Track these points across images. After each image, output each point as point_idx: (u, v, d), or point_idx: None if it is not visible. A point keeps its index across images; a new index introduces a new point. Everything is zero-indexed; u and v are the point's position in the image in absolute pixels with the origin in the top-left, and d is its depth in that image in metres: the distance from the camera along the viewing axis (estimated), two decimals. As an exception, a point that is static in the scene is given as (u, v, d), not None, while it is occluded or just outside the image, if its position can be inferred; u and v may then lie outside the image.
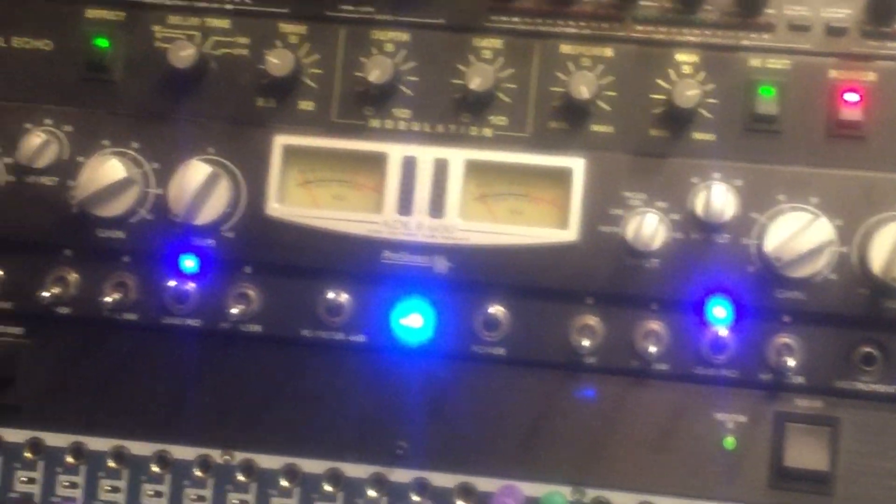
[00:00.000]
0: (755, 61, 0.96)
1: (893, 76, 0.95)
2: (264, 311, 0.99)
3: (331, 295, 0.98)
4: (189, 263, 1.00)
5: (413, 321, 0.98)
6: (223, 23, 1.00)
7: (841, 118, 0.94)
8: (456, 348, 0.98)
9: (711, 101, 0.96)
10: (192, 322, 1.00)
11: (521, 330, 0.98)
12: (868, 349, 0.95)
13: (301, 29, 1.00)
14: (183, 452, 1.02)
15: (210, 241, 0.99)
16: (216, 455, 1.01)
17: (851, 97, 0.95)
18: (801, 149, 0.95)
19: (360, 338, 0.99)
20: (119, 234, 0.99)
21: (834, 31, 0.95)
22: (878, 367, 0.95)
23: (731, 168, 0.95)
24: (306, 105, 0.99)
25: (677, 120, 0.96)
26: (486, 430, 0.99)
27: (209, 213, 0.97)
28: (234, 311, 0.97)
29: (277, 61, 0.97)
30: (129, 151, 0.99)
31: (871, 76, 0.95)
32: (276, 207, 0.98)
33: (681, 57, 0.97)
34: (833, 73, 0.95)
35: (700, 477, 0.97)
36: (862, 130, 0.94)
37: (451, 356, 0.99)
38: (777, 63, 0.96)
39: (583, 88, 0.94)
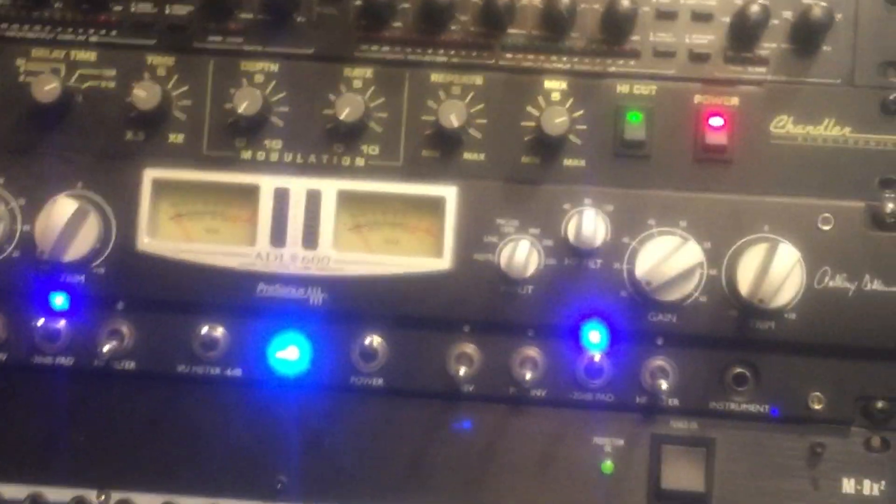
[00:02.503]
0: (622, 87, 1.01)
1: (756, 100, 1.00)
2: (138, 347, 1.02)
3: (205, 329, 1.01)
4: (59, 301, 1.02)
5: (289, 354, 1.01)
6: (89, 56, 1.02)
7: (707, 142, 0.99)
8: (333, 380, 1.02)
9: (581, 127, 1.00)
10: (64, 360, 1.02)
11: (398, 360, 1.01)
12: (740, 369, 1.00)
13: (168, 61, 1.02)
14: (58, 494, 1.03)
15: (80, 278, 1.01)
16: (92, 496, 1.03)
17: (716, 121, 1.00)
18: (670, 173, 1.00)
19: (236, 372, 1.02)
20: (-15, 273, 1.02)
21: (697, 58, 1.00)
22: (750, 387, 1.00)
23: (602, 193, 1.00)
24: (176, 137, 1.02)
25: (548, 147, 1.00)
26: (365, 461, 1.03)
27: (78, 249, 0.99)
28: (107, 348, 0.99)
29: (145, 94, 0.99)
30: (-6, 188, 1.02)
31: (734, 100, 1.00)
32: (148, 242, 1.00)
33: (549, 84, 1.01)
34: (698, 98, 1.00)
35: (579, 501, 1.02)
36: (727, 154, 1.00)
37: (328, 388, 1.02)
38: (643, 89, 1.01)
39: (453, 117, 0.98)
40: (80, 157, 1.02)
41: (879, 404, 1.01)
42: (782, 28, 1.00)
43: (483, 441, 1.02)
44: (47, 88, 0.99)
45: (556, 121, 0.98)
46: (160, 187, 1.01)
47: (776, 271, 0.96)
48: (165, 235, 1.02)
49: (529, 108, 1.01)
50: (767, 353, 1.01)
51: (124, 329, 1.01)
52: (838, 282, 0.99)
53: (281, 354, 1.01)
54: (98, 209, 1.00)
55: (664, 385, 0.99)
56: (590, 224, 0.98)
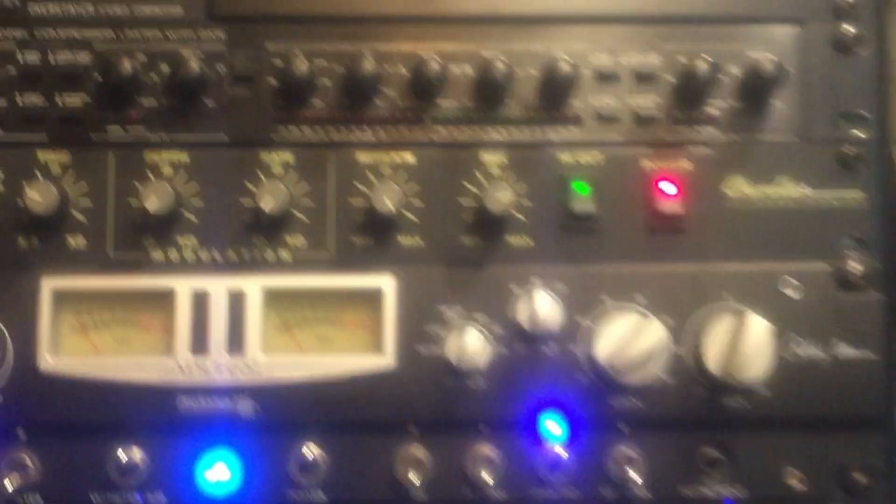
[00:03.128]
0: (566, 157, 0.95)
1: (708, 162, 0.95)
2: (45, 478, 0.92)
3: (122, 453, 0.91)
4: None
5: (219, 473, 0.92)
6: (-31, 156, 0.94)
7: (660, 210, 0.94)
8: (270, 498, 0.93)
9: (525, 202, 0.94)
10: (-40, 500, 0.92)
11: (340, 470, 0.93)
12: (711, 451, 0.94)
13: (63, 156, 0.93)
14: None
15: None
16: None
17: (667, 187, 0.94)
18: (623, 245, 0.94)
19: (159, 498, 0.92)
20: None
21: (642, 121, 0.95)
22: (723, 468, 0.94)
23: (552, 271, 0.93)
24: (76, 241, 0.93)
25: (490, 225, 0.94)
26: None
27: None
28: (9, 482, 0.90)
29: (39, 196, 0.90)
30: None
31: (685, 164, 0.95)
32: (50, 360, 0.91)
33: (487, 157, 0.95)
34: (646, 164, 0.95)
35: None
36: (682, 221, 0.94)
37: (266, 508, 0.94)
38: (588, 157, 0.95)
39: (387, 200, 0.91)
40: None
41: (860, 477, 0.95)
42: (731, 84, 0.95)
43: (441, 554, 0.95)
44: (-73, 196, 0.90)
45: (499, 196, 0.92)
46: (61, 298, 0.92)
47: (747, 345, 0.90)
48: (70, 351, 0.92)
49: (467, 184, 0.94)
50: (740, 432, 0.94)
51: (28, 459, 0.91)
52: (808, 349, 0.94)
53: (210, 474, 0.92)
54: None
55: (633, 474, 0.92)
56: (542, 305, 0.91)
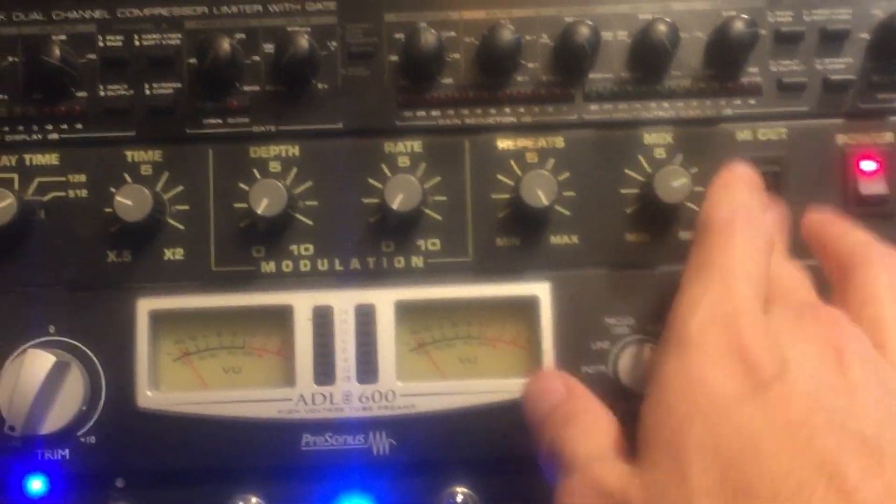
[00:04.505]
0: (743, 133, 0.83)
1: None
2: (147, 537, 0.81)
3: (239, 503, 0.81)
4: (36, 485, 0.81)
5: (345, 526, 0.81)
6: (49, 158, 0.83)
7: (859, 192, 0.82)
8: (414, 553, 0.82)
9: (698, 189, 0.80)
10: (49, 563, 0.81)
11: (496, 515, 0.82)
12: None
13: (155, 155, 0.83)
14: None
15: (64, 453, 0.80)
16: None
17: (868, 165, 0.82)
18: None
19: (285, 555, 0.82)
20: (-66, 460, 0.79)
21: (834, 87, 0.82)
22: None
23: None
24: (174, 253, 0.82)
25: (659, 218, 0.82)
26: None
27: (59, 417, 0.79)
28: (107, 544, 0.79)
29: (130, 202, 0.79)
30: (-63, 345, 0.80)
31: (888, 137, 0.83)
32: (149, 396, 0.80)
33: (650, 138, 0.83)
34: (841, 138, 0.83)
35: None
36: (887, 204, 0.83)
37: (408, 565, 0.82)
38: (770, 132, 0.83)
39: (541, 193, 0.79)
40: (48, 293, 0.82)
41: None
42: (942, 39, 0.83)
43: None
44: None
45: (674, 184, 0.79)
46: (159, 321, 0.81)
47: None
48: (172, 384, 0.81)
49: (629, 171, 0.82)
50: None
51: (127, 514, 0.81)
52: None
53: (338, 527, 0.81)
54: (81, 360, 0.80)
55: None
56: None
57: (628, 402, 0.78)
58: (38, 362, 0.77)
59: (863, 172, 0.82)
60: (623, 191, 0.83)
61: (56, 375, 0.78)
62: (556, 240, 0.82)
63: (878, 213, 0.82)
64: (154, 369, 0.81)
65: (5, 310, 0.81)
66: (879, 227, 0.81)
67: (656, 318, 0.81)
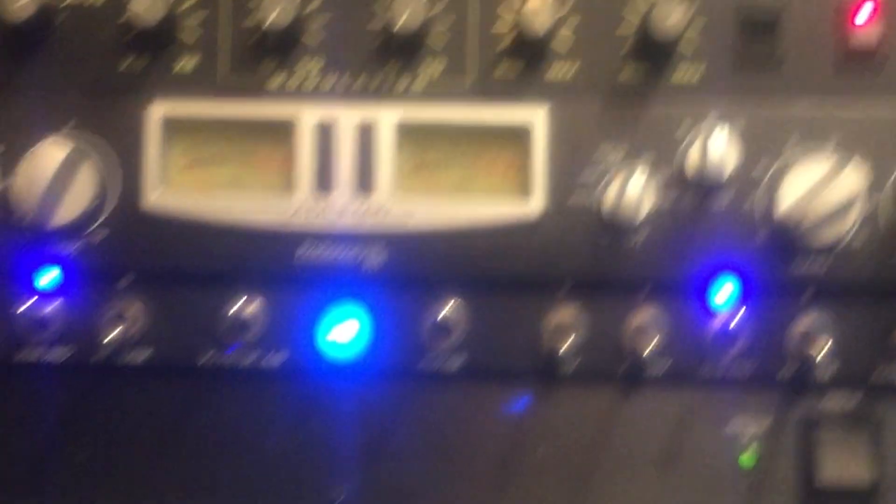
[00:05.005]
0: (749, -22, 0.86)
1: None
2: (150, 333, 0.88)
3: (235, 307, 0.86)
4: (48, 278, 0.87)
5: (343, 333, 0.87)
6: (68, -35, 0.87)
7: (852, 40, 0.84)
8: (400, 363, 0.88)
9: (696, 25, 0.84)
10: (57, 353, 0.88)
11: (480, 334, 0.87)
12: (912, 327, 0.86)
13: (169, -38, 0.87)
14: (60, 516, 0.90)
15: (74, 247, 0.86)
16: (102, 516, 0.90)
17: (863, 12, 0.84)
18: (810, 81, 0.85)
19: (276, 359, 0.88)
20: (-49, 245, 0.86)
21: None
22: (926, 348, 0.86)
23: (729, 110, 0.84)
24: (187, 62, 0.86)
25: (657, 52, 0.85)
26: (443, 462, 0.89)
27: (70, 209, 0.84)
28: (111, 335, 0.85)
29: (143, 7, 0.83)
30: (-39, 133, 0.86)
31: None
32: (158, 197, 0.85)
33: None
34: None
35: (713, 502, 0.89)
36: (882, 53, 0.85)
37: (393, 373, 0.88)
38: (775, -21, 0.86)
39: (540, 19, 0.82)
40: (66, 94, 0.87)
41: None
42: None
43: (591, 432, 0.88)
44: (19, 5, 0.83)
45: (668, 22, 0.81)
46: (171, 127, 0.86)
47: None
48: (180, 188, 0.86)
49: (630, 5, 0.85)
50: (947, 306, 0.85)
51: (132, 310, 0.87)
52: None
53: (332, 334, 0.86)
54: (94, 158, 0.85)
55: (816, 351, 0.83)
56: (717, 148, 0.82)
57: (612, 232, 0.84)
58: (51, 153, 0.83)
59: (857, 22, 0.84)
60: (624, 22, 0.85)
61: (68, 168, 0.83)
62: (558, 68, 0.85)
63: (871, 62, 0.84)
64: (162, 173, 0.85)
65: (23, 107, 0.86)
66: (873, 73, 0.85)
67: (646, 151, 0.84)
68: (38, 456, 0.90)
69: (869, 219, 0.84)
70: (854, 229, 0.83)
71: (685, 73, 0.85)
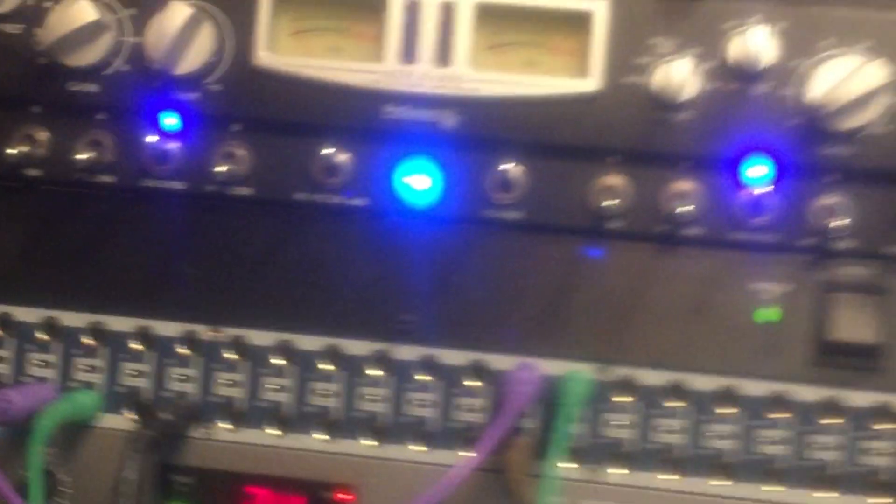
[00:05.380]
0: None
1: None
2: (254, 171, 0.98)
3: (327, 153, 0.97)
4: (170, 120, 0.99)
5: (418, 182, 0.97)
6: None
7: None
8: (466, 211, 0.98)
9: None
10: (175, 184, 0.99)
11: (537, 191, 0.97)
12: (927, 209, 0.94)
13: None
14: (166, 328, 1.02)
15: (193, 95, 0.97)
16: (202, 331, 1.02)
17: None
18: (850, -12, 0.93)
19: (360, 201, 0.98)
20: (93, 88, 0.98)
21: None
22: (939, 229, 0.94)
23: (771, 9, 0.93)
24: (298, -54, 0.97)
25: None
26: (499, 302, 0.99)
27: (192, 61, 0.95)
28: (221, 170, 0.97)
29: None
30: (102, -5, 0.98)
31: None
32: (266, 57, 0.96)
33: None
34: None
35: (737, 353, 0.98)
36: (920, -36, 0.92)
37: (460, 220, 0.98)
38: None
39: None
40: None
41: None
42: None
43: (629, 283, 0.98)
44: None
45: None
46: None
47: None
48: (285, 51, 0.97)
49: None
50: (958, 191, 0.94)
51: (239, 152, 0.98)
52: None
53: (409, 182, 0.97)
54: (213, 19, 0.96)
55: (836, 225, 0.93)
56: (758, 42, 0.91)
57: (660, 110, 0.94)
58: (179, 12, 0.94)
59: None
60: (689, -72, 0.94)
61: (192, 26, 0.94)
62: (622, -32, 0.95)
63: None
64: (271, 37, 0.97)
65: None
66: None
67: (695, 43, 0.94)
68: (156, 272, 1.02)
69: (891, 111, 0.92)
70: (876, 119, 0.92)
71: None
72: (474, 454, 0.95)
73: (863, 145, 0.93)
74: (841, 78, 0.91)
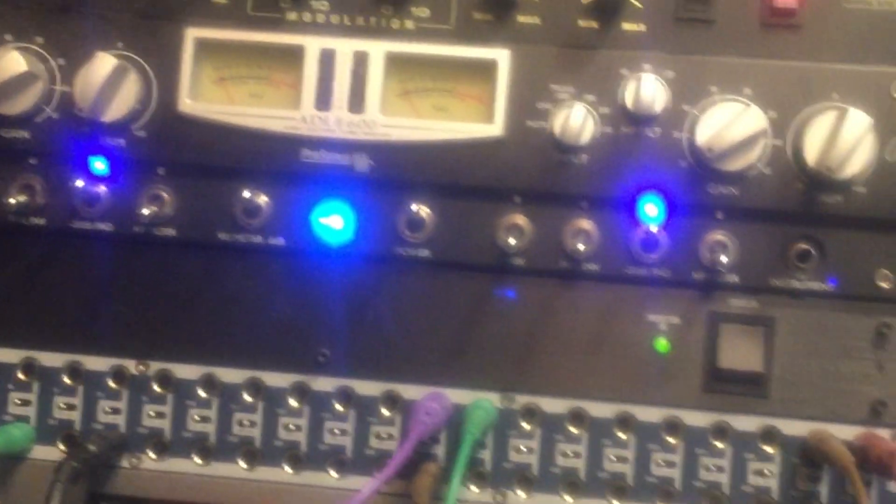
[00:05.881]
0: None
1: (829, -41, 1.00)
2: (179, 213, 1.04)
3: (248, 195, 1.03)
4: (99, 165, 1.05)
5: (334, 222, 1.03)
6: None
7: (775, 5, 0.99)
8: (378, 250, 1.04)
9: (642, -13, 1.01)
10: (103, 226, 1.05)
11: (446, 230, 1.03)
12: (803, 246, 1.01)
13: None
14: (96, 363, 1.08)
15: (120, 141, 1.03)
16: (131, 365, 1.07)
17: (786, -15, 1.00)
18: (735, 39, 1.00)
19: (278, 240, 1.04)
20: (24, 134, 1.04)
21: None
22: (814, 264, 1.01)
23: (662, 59, 1.00)
24: (221, -1, 1.04)
25: (606, 10, 1.01)
26: (411, 335, 1.05)
27: (118, 109, 1.02)
28: (147, 212, 1.02)
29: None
30: (33, 46, 1.04)
31: (805, -41, 1.00)
32: (190, 104, 1.02)
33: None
34: (766, -43, 1.00)
35: (633, 381, 1.04)
36: (797, 18, 1.00)
37: (373, 258, 1.04)
38: (704, -56, 1.01)
39: (508, -21, 0.99)
40: (120, 17, 1.04)
41: (951, 283, 1.01)
42: None
43: (532, 316, 1.04)
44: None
45: (615, -20, 0.99)
46: (203, 48, 1.03)
47: (846, 138, 0.96)
48: (208, 98, 1.04)
49: (584, -34, 1.01)
50: (833, 229, 1.01)
51: (165, 194, 1.04)
52: (910, 154, 0.99)
53: (325, 222, 1.03)
54: (139, 69, 1.03)
55: (724, 260, 1.00)
56: (649, 89, 0.98)
57: (559, 152, 1.01)
58: (105, 62, 1.01)
59: (779, -6, 1.01)
60: (580, -17, 1.02)
61: (118, 75, 1.01)
62: (522, 19, 1.02)
63: (788, 24, 1.00)
64: (195, 85, 1.03)
65: (87, 26, 1.03)
66: (787, 36, 1.01)
67: (591, 90, 1.01)
68: (86, 308, 1.07)
69: (773, 155, 0.99)
70: (759, 162, 0.99)
71: (630, 26, 1.02)
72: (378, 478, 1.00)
73: (747, 185, 1.00)
74: (725, 123, 0.98)
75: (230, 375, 1.07)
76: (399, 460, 0.97)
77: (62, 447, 1.08)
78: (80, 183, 1.05)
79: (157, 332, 1.07)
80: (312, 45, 1.02)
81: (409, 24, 1.03)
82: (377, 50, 1.02)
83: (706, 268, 1.02)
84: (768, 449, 1.03)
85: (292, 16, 1.04)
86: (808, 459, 1.03)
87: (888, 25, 1.00)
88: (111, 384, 1.08)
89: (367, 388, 1.06)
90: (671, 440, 1.04)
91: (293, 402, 1.06)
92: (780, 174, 1.00)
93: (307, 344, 1.06)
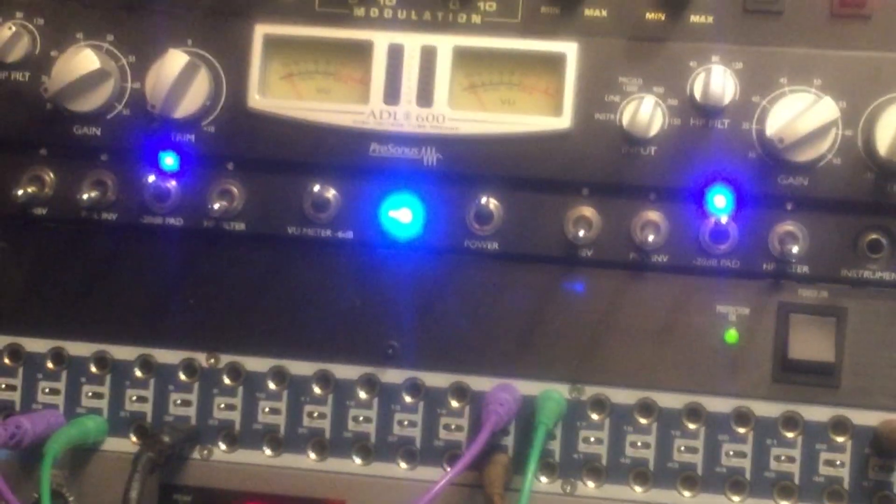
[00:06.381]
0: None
1: (900, -52, 0.99)
2: (248, 207, 1.06)
3: (316, 190, 1.04)
4: (169, 160, 1.07)
5: (402, 215, 1.04)
6: None
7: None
8: (447, 243, 1.05)
9: (712, -22, 1.00)
10: (174, 221, 1.07)
11: (514, 223, 1.04)
12: (875, 236, 1.01)
13: None
14: (167, 356, 1.10)
15: (190, 137, 1.05)
16: (201, 358, 1.09)
17: (855, -24, 1.00)
18: (804, 29, 1.01)
19: (347, 234, 1.06)
20: (95, 131, 1.06)
21: None
22: (885, 254, 1.01)
23: (731, 51, 1.00)
24: (291, -4, 1.05)
25: (673, 2, 1.01)
26: (479, 327, 1.06)
27: (188, 105, 1.03)
28: (217, 207, 1.04)
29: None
30: (104, 44, 1.05)
31: (876, -51, 0.99)
32: (259, 100, 1.04)
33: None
34: (837, -52, 1.00)
35: (702, 372, 1.04)
36: (867, 8, 1.00)
37: (442, 251, 1.06)
38: (778, -61, 1.01)
39: (577, -28, 0.99)
40: (189, 14, 1.06)
41: None
42: None
43: (601, 308, 1.05)
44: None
45: (687, -24, 0.99)
46: (271, 44, 1.05)
47: (920, 129, 0.96)
48: (276, 94, 1.05)
49: (658, -43, 1.02)
50: (908, 221, 1.01)
51: (234, 189, 1.06)
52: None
53: (393, 216, 1.04)
54: (208, 66, 1.04)
55: (794, 251, 1.00)
56: (718, 81, 0.99)
57: (628, 144, 1.02)
58: (177, 59, 1.02)
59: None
60: (649, -24, 1.02)
61: (188, 73, 1.02)
62: (589, 12, 1.03)
63: (858, 15, 1.00)
64: (263, 81, 1.04)
65: (157, 24, 1.05)
66: (857, 26, 1.01)
67: (660, 82, 1.01)
68: (156, 302, 1.09)
69: (843, 145, 0.99)
70: (829, 153, 0.99)
71: (698, 18, 1.02)
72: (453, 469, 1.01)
73: (817, 176, 1.00)
74: (796, 114, 0.98)
75: (300, 368, 1.09)
76: (474, 451, 0.98)
77: (134, 439, 1.10)
78: (151, 179, 1.06)
79: (227, 325, 1.09)
80: (381, 41, 1.04)
81: (476, 19, 1.04)
82: (445, 44, 1.03)
83: (776, 258, 1.02)
84: (839, 439, 1.04)
85: (360, 11, 1.05)
86: (879, 449, 1.04)
87: (963, 12, 1.00)
88: (182, 377, 1.10)
89: (436, 379, 1.07)
90: (741, 430, 1.05)
91: (362, 394, 1.08)
92: (850, 164, 1.00)
93: (376, 336, 1.07)
